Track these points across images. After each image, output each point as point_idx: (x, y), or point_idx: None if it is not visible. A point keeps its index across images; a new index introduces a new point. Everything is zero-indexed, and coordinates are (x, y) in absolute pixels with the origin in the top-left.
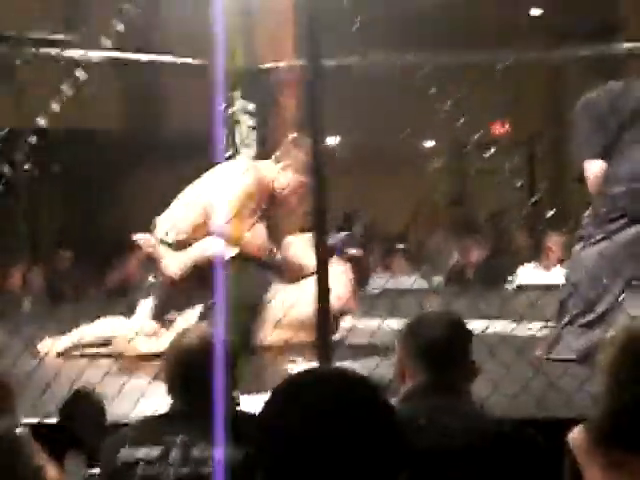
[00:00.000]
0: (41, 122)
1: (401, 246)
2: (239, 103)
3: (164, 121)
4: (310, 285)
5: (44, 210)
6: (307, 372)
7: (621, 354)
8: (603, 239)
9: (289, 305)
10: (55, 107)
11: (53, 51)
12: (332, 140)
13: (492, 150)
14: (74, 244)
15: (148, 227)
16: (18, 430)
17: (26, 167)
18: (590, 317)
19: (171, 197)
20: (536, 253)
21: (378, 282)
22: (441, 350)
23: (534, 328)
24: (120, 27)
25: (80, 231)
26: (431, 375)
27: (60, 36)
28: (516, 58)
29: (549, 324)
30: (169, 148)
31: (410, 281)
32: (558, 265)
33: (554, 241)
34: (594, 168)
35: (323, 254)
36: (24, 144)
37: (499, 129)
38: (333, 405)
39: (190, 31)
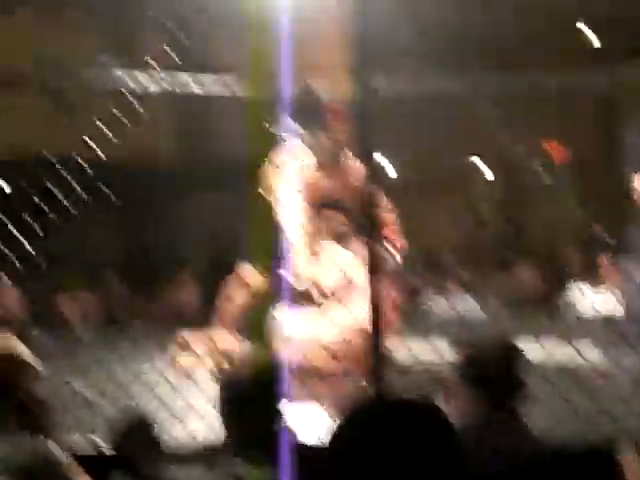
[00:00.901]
0: (97, 150)
1: (456, 268)
2: (290, 127)
3: (215, 148)
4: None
5: (98, 237)
6: (374, 402)
7: None
8: None
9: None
10: (111, 136)
11: (111, 81)
12: (383, 161)
13: (546, 169)
14: (126, 272)
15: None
16: (56, 451)
17: (82, 195)
18: None
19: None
20: (590, 275)
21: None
22: (495, 375)
23: (588, 352)
24: (174, 57)
25: (132, 259)
26: (484, 398)
27: (116, 68)
28: (573, 81)
29: (603, 349)
30: (219, 176)
31: (466, 304)
32: (613, 288)
33: (607, 263)
34: None
35: (376, 269)
36: (80, 171)
37: (555, 150)
38: (406, 436)
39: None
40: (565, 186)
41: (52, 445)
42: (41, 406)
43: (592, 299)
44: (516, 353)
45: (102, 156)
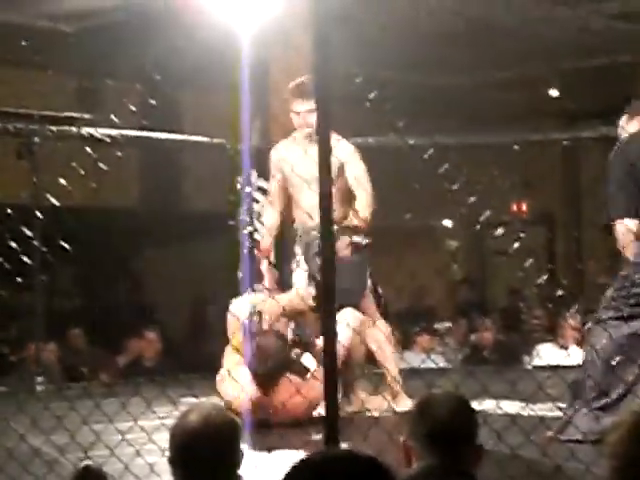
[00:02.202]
0: (54, 200)
1: (423, 325)
2: (255, 181)
3: (180, 198)
4: None
5: (58, 287)
6: (317, 456)
7: (628, 437)
8: (618, 319)
9: None
10: (72, 185)
11: (72, 128)
12: None
13: (506, 229)
14: (87, 323)
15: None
16: None
17: (40, 245)
18: (604, 401)
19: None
20: (552, 332)
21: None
22: (448, 432)
23: (544, 409)
24: (135, 107)
25: (93, 310)
26: (437, 458)
27: (76, 114)
28: (533, 139)
29: (559, 405)
30: (183, 225)
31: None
32: (574, 345)
33: (570, 321)
34: (622, 227)
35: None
36: (39, 221)
37: (517, 209)
38: None
39: (205, 111)
40: (529, 243)
41: None
42: None
43: (554, 356)
44: (469, 410)
45: (57, 204)
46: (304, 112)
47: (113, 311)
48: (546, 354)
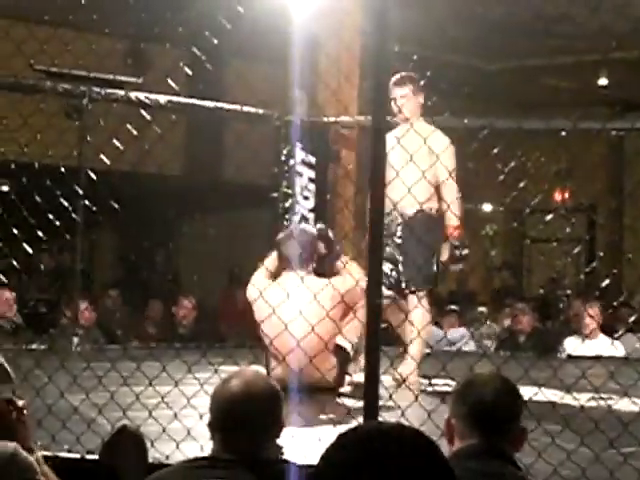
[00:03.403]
0: (105, 161)
1: (453, 307)
2: (300, 155)
3: (224, 168)
4: None
5: (100, 248)
6: (365, 427)
7: None
8: None
9: None
10: (119, 148)
11: (120, 92)
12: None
13: (550, 216)
14: (125, 286)
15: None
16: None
17: (90, 206)
18: None
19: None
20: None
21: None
22: (491, 414)
23: (583, 399)
24: (186, 72)
25: (131, 273)
26: (480, 439)
27: (126, 78)
28: (580, 127)
29: (597, 395)
30: (226, 195)
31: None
32: (602, 334)
33: (592, 311)
34: None
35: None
36: (87, 183)
37: (560, 196)
38: (395, 464)
39: (252, 81)
40: (571, 232)
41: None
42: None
43: (586, 347)
44: (514, 393)
45: (110, 169)
46: (398, 97)
47: (151, 276)
48: (578, 345)
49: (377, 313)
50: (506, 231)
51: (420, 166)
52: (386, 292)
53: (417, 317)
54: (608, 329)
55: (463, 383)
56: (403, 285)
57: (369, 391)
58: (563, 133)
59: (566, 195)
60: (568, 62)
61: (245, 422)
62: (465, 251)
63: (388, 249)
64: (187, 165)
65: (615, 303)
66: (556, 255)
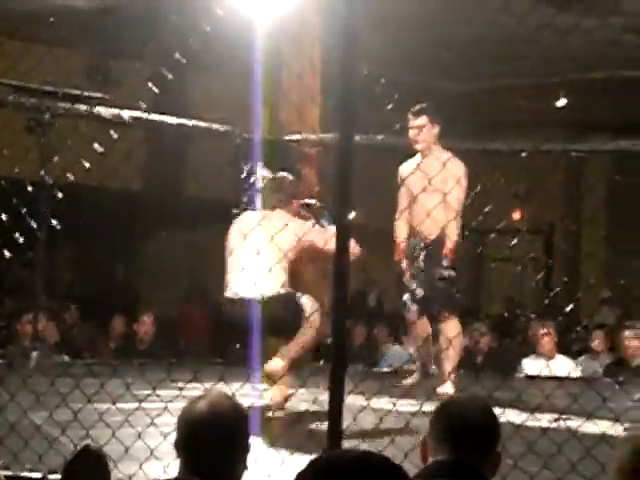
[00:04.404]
0: (68, 177)
1: None
2: (261, 172)
3: (186, 184)
4: None
5: (60, 263)
6: (334, 455)
7: (635, 455)
8: None
9: None
10: (83, 164)
11: (84, 107)
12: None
13: (514, 240)
14: (82, 300)
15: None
16: None
17: (51, 222)
18: None
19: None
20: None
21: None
22: (467, 435)
23: (545, 420)
24: (152, 89)
25: (90, 286)
26: (449, 455)
27: (91, 93)
28: (538, 148)
29: (560, 417)
30: (188, 211)
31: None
32: (559, 355)
33: (549, 331)
34: None
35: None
36: (48, 198)
37: (518, 217)
38: None
39: (214, 98)
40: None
41: None
42: None
43: (543, 367)
44: (491, 415)
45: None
46: (412, 127)
47: (109, 291)
48: (537, 365)
49: (342, 330)
50: (465, 251)
51: (440, 192)
52: (413, 307)
53: (449, 331)
54: (565, 349)
55: (443, 403)
56: (429, 306)
57: (333, 411)
58: (523, 154)
59: (525, 216)
60: (529, 84)
61: (210, 444)
62: (451, 272)
63: (414, 271)
64: (149, 181)
65: (572, 324)
66: (514, 275)
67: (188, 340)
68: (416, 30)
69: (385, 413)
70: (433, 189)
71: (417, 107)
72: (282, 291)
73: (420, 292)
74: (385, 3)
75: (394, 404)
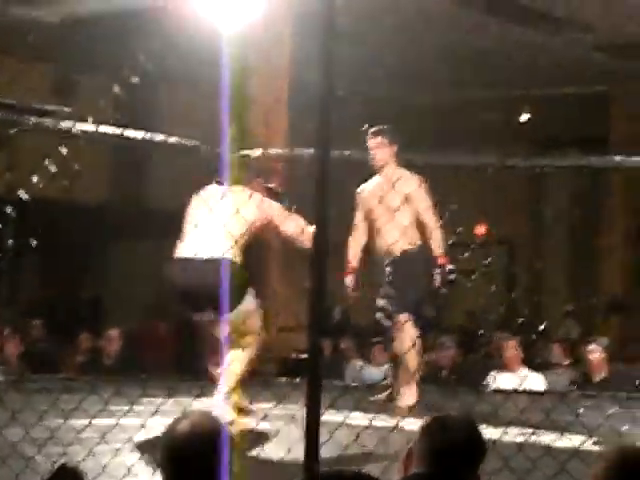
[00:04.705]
0: (23, 195)
1: (378, 339)
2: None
3: (150, 196)
4: None
5: (21, 278)
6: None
7: (610, 470)
8: None
9: None
10: (45, 177)
11: (48, 121)
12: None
13: (471, 249)
14: (48, 316)
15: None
16: None
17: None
18: None
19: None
20: (498, 358)
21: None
22: (451, 451)
23: (516, 434)
24: (112, 103)
25: (55, 304)
26: (433, 469)
27: (55, 107)
28: (501, 163)
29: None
30: (152, 223)
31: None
32: (523, 368)
33: (510, 345)
34: None
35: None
36: (9, 213)
37: (480, 231)
38: None
39: (183, 112)
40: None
41: None
42: None
43: (511, 380)
44: (478, 437)
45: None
46: (371, 146)
47: (75, 306)
48: (504, 378)
49: (318, 347)
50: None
51: (400, 210)
52: (386, 323)
53: (402, 341)
54: (529, 362)
55: (431, 420)
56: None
57: (310, 429)
58: (489, 169)
59: (486, 229)
60: (491, 97)
61: (191, 464)
62: (453, 275)
63: (382, 289)
64: (114, 194)
65: (534, 336)
66: (476, 288)
67: (154, 355)
68: (382, 43)
69: (361, 429)
70: (387, 207)
71: (374, 128)
72: (228, 256)
73: (389, 308)
74: (350, 17)
75: (370, 420)
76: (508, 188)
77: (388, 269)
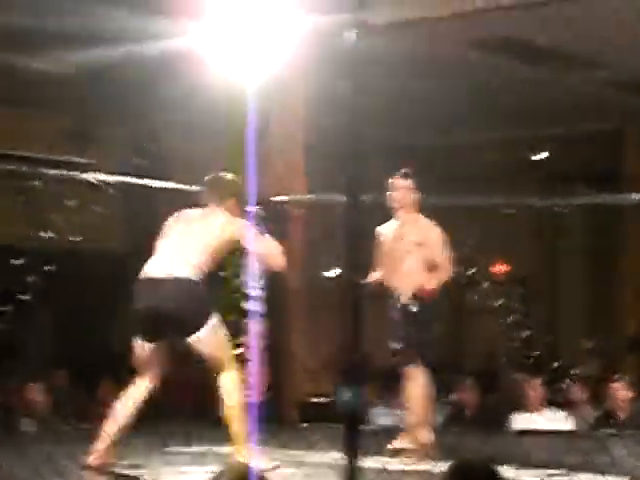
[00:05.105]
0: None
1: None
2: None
3: None
4: None
5: (41, 328)
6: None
7: None
8: None
9: None
10: (61, 225)
11: (72, 174)
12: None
13: (486, 286)
14: (69, 363)
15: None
16: None
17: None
18: None
19: None
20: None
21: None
22: None
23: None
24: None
25: (75, 350)
26: None
27: (77, 159)
28: (516, 202)
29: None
30: None
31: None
32: (547, 408)
33: (533, 385)
34: None
35: None
36: (33, 265)
37: (497, 269)
38: None
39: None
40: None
41: None
42: None
43: (534, 421)
44: (496, 474)
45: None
46: (397, 187)
47: (95, 355)
48: (527, 419)
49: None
50: (443, 304)
51: (416, 255)
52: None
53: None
54: (551, 402)
55: (453, 467)
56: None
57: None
58: (507, 210)
59: (503, 267)
60: (502, 137)
61: None
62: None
63: (394, 331)
64: (127, 241)
65: (555, 377)
66: (493, 328)
67: (177, 401)
68: (395, 91)
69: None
70: (406, 250)
71: (404, 170)
72: (192, 277)
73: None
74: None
75: (405, 465)
76: (521, 225)
77: (400, 313)
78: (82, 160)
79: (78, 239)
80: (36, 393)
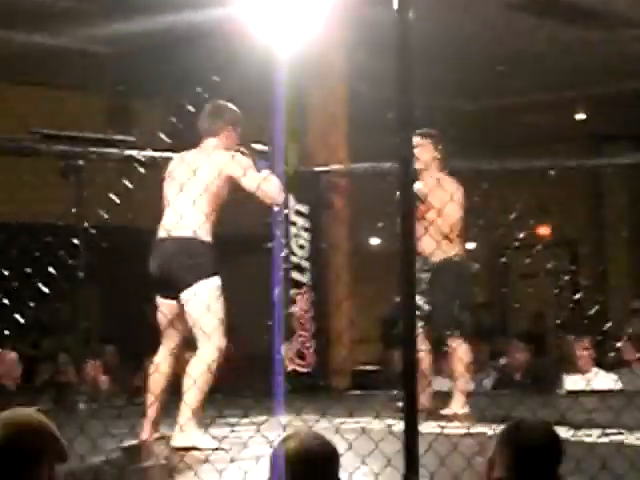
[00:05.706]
0: (101, 217)
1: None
2: (293, 204)
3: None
4: None
5: (92, 305)
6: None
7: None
8: None
9: None
10: (114, 204)
11: (114, 151)
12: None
13: (535, 250)
14: (117, 339)
15: None
16: None
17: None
18: None
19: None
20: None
21: None
22: (535, 459)
23: (591, 436)
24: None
25: (123, 326)
26: (515, 476)
27: (119, 136)
28: (560, 164)
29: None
30: (221, 247)
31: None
32: (596, 368)
33: (583, 346)
34: None
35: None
36: (85, 239)
37: (543, 232)
38: None
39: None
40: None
41: None
42: None
43: (584, 382)
44: (556, 442)
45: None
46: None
47: (142, 330)
48: (576, 380)
49: (412, 361)
50: (489, 268)
51: (439, 216)
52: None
53: (456, 358)
54: (600, 361)
55: (509, 426)
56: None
57: (409, 441)
58: (552, 172)
59: (548, 230)
60: (545, 99)
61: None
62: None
63: (421, 291)
64: None
65: (603, 336)
66: (541, 290)
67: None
68: (433, 55)
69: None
70: (425, 212)
71: (422, 130)
72: (196, 231)
73: (425, 307)
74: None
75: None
76: (569, 188)
77: (426, 275)
78: (128, 137)
79: (129, 217)
80: (96, 370)
